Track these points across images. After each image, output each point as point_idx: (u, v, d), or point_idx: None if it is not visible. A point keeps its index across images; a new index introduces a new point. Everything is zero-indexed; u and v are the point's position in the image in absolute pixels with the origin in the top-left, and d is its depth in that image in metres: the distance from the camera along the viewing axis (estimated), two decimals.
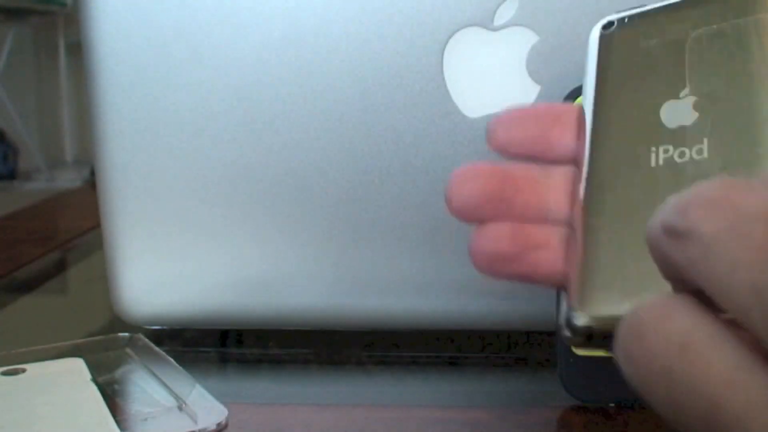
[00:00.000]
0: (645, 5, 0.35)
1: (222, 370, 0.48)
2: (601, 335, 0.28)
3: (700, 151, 0.30)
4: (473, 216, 0.31)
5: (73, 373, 0.42)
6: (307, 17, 0.44)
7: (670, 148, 0.30)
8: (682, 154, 0.30)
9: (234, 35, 0.44)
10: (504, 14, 0.43)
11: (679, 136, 0.30)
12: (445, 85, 0.44)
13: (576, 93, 0.42)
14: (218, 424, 0.37)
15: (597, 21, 0.43)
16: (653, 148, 0.30)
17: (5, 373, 0.41)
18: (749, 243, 0.21)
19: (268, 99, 0.44)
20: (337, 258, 0.46)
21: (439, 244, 0.45)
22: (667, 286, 0.25)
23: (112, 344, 0.46)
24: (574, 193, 0.31)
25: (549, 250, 0.30)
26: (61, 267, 0.75)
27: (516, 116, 0.32)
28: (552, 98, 0.44)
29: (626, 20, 0.35)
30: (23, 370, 0.42)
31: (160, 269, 0.46)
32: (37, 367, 0.42)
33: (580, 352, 0.41)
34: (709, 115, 0.30)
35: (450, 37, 0.44)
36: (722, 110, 0.30)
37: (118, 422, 0.37)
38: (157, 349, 0.45)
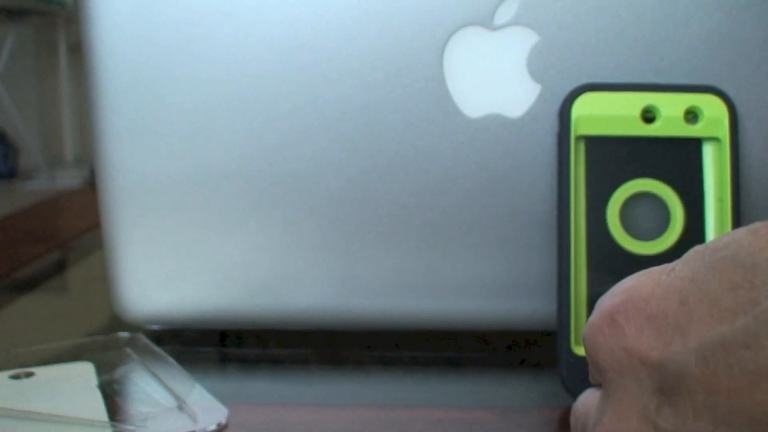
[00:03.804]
0: None
1: (222, 370, 0.48)
2: None
3: None
4: None
5: (80, 379, 0.41)
6: (307, 17, 0.44)
7: None
8: None
9: (234, 35, 0.44)
10: (504, 14, 0.43)
11: None
12: (445, 85, 0.44)
13: (576, 93, 0.43)
14: (218, 424, 0.37)
15: (597, 20, 0.43)
16: None
17: (13, 377, 0.41)
18: None
19: (268, 99, 0.44)
20: (337, 258, 0.46)
21: (439, 244, 0.45)
22: None
23: (112, 344, 0.46)
24: None
25: None
26: (61, 267, 0.75)
27: None
28: (552, 98, 0.44)
29: None
30: (32, 374, 0.42)
31: (159, 269, 0.46)
32: (46, 371, 0.42)
33: (581, 352, 0.41)
34: None
35: (450, 37, 0.44)
36: None
37: (118, 422, 0.37)
38: (157, 349, 0.45)
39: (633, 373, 0.24)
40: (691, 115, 0.42)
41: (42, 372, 0.42)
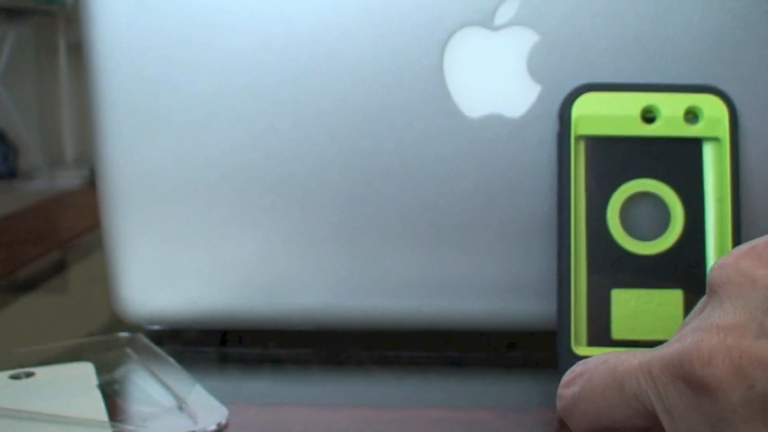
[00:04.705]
0: None
1: (222, 370, 0.48)
2: None
3: None
4: None
5: (80, 379, 0.41)
6: (308, 17, 0.44)
7: None
8: None
9: (234, 35, 0.44)
10: (504, 14, 0.43)
11: None
12: (445, 85, 0.44)
13: (576, 93, 0.43)
14: (218, 424, 0.37)
15: (597, 20, 0.43)
16: None
17: (13, 377, 0.41)
18: None
19: (268, 99, 0.44)
20: (337, 258, 0.46)
21: (439, 244, 0.45)
22: None
23: (112, 344, 0.46)
24: None
25: None
26: (61, 267, 0.75)
27: None
28: (553, 98, 0.44)
29: None
30: (32, 374, 0.42)
31: (160, 269, 0.46)
32: (46, 371, 0.42)
33: (581, 352, 0.41)
34: None
35: (450, 37, 0.44)
36: None
37: (118, 422, 0.37)
38: (157, 349, 0.45)
39: (752, 290, 0.28)
40: (691, 115, 0.42)
41: (42, 372, 0.42)
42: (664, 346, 0.29)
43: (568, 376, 0.34)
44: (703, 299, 0.31)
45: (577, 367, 0.33)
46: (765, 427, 0.26)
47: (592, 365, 0.32)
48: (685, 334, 0.29)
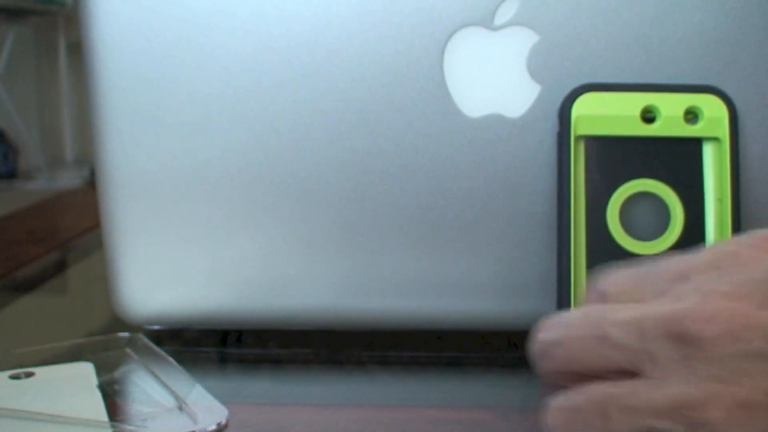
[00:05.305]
0: None
1: (222, 370, 0.48)
2: None
3: None
4: None
5: (80, 379, 0.41)
6: (308, 17, 0.44)
7: None
8: None
9: (234, 35, 0.44)
10: (504, 14, 0.43)
11: None
12: (445, 85, 0.44)
13: (576, 93, 0.43)
14: (218, 424, 0.37)
15: (597, 20, 0.43)
16: None
17: (13, 377, 0.42)
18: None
19: (268, 99, 0.44)
20: (338, 258, 0.46)
21: (439, 244, 0.45)
22: None
23: (112, 344, 0.46)
24: None
25: None
26: (61, 267, 0.75)
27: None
28: (552, 98, 0.44)
29: None
30: (32, 374, 0.42)
31: (160, 269, 0.46)
32: (46, 371, 0.42)
33: None
34: None
35: (450, 37, 0.44)
36: None
37: (118, 422, 0.37)
38: (157, 349, 0.45)
39: (758, 264, 0.30)
40: (691, 115, 0.42)
41: (42, 372, 0.42)
42: (655, 303, 0.30)
43: (546, 323, 0.34)
44: (703, 254, 0.32)
45: (555, 317, 0.34)
46: (754, 380, 0.27)
47: (573, 315, 0.33)
48: (685, 295, 0.30)
